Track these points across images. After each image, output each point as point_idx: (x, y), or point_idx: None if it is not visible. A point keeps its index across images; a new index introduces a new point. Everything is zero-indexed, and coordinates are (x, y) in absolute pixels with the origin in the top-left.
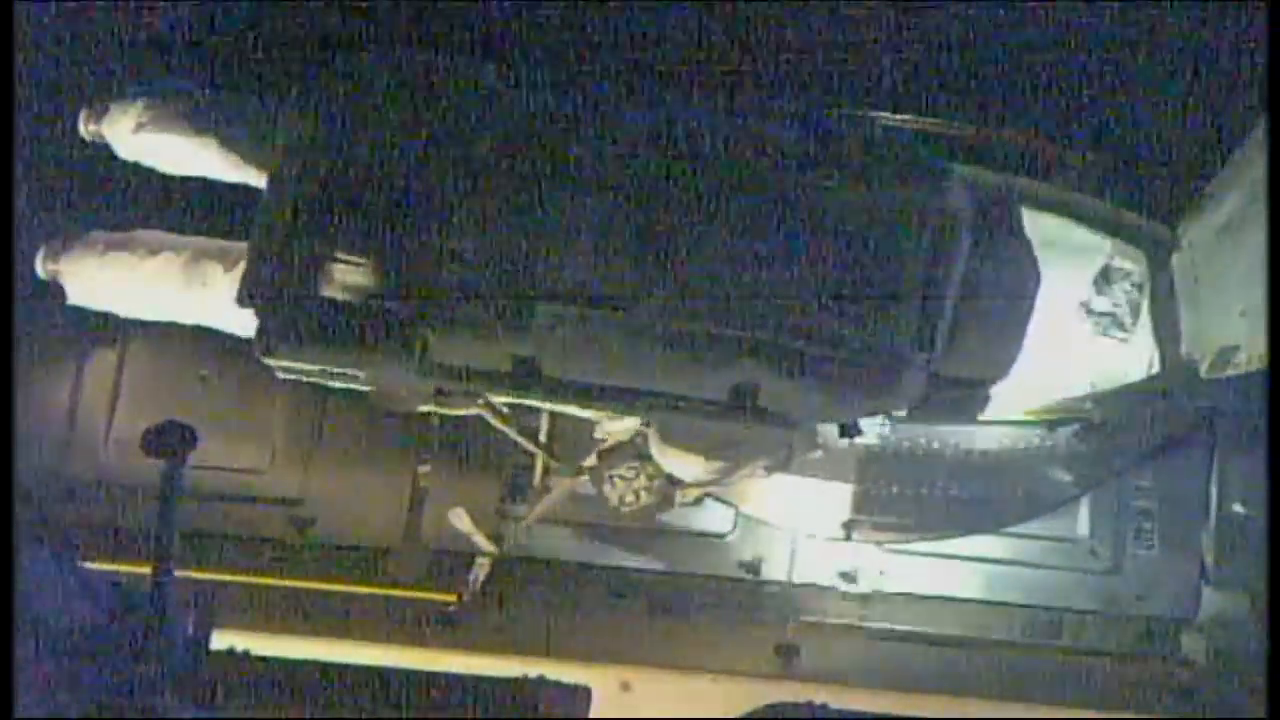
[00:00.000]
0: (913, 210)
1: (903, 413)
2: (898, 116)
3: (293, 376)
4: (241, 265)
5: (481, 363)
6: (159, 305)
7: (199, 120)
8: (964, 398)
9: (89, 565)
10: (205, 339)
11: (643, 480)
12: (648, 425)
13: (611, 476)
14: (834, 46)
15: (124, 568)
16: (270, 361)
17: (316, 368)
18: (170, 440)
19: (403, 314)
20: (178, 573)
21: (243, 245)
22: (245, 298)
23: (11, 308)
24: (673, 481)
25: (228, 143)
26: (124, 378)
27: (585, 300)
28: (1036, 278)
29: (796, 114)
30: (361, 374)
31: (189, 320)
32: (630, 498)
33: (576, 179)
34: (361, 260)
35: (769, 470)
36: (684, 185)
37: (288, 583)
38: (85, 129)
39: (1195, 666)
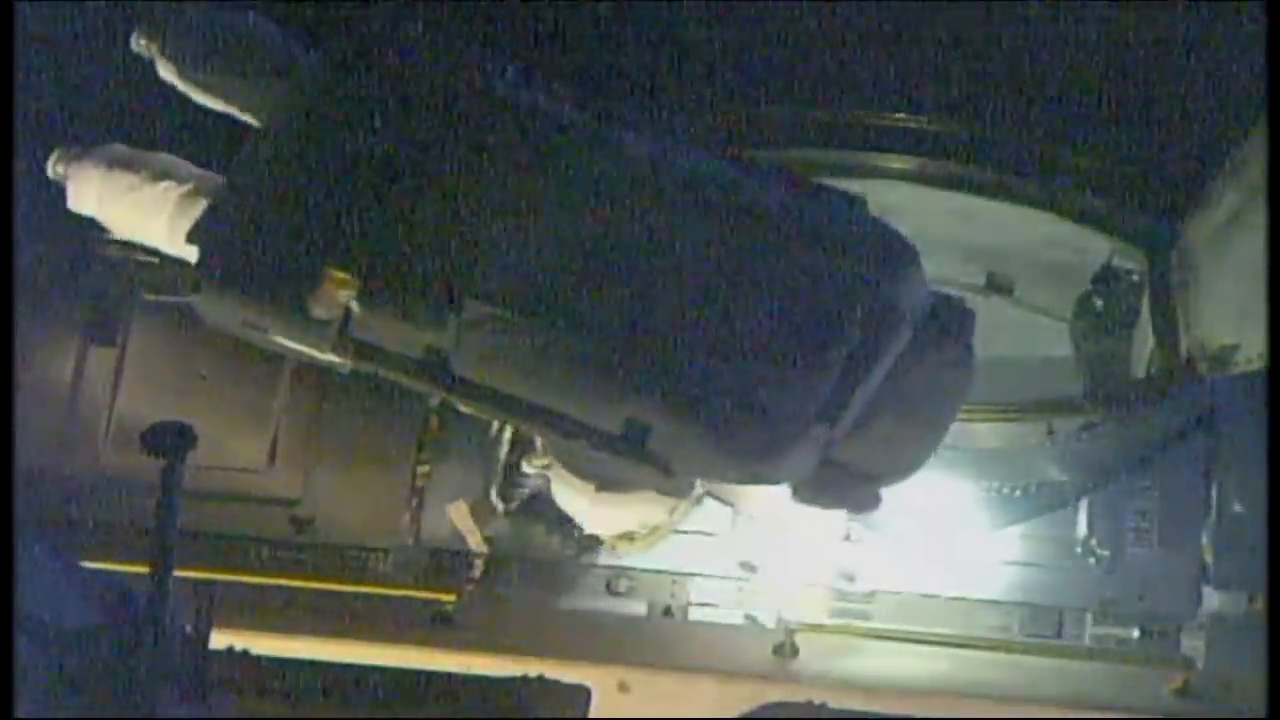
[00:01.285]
0: (858, 288)
1: (785, 487)
2: (898, 116)
3: (215, 324)
4: None
5: (397, 346)
6: (144, 230)
7: (237, 46)
8: (852, 488)
9: (89, 565)
10: (205, 338)
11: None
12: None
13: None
14: (834, 47)
15: (124, 567)
16: (197, 301)
17: (239, 318)
18: (169, 439)
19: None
20: (178, 573)
21: None
22: (194, 233)
23: (11, 308)
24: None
25: (244, 76)
26: (124, 377)
27: (513, 306)
28: (964, 395)
29: (787, 177)
30: (281, 334)
31: (169, 251)
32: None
33: (541, 189)
34: (313, 225)
35: (662, 526)
36: (647, 217)
37: (288, 583)
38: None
39: (1195, 666)
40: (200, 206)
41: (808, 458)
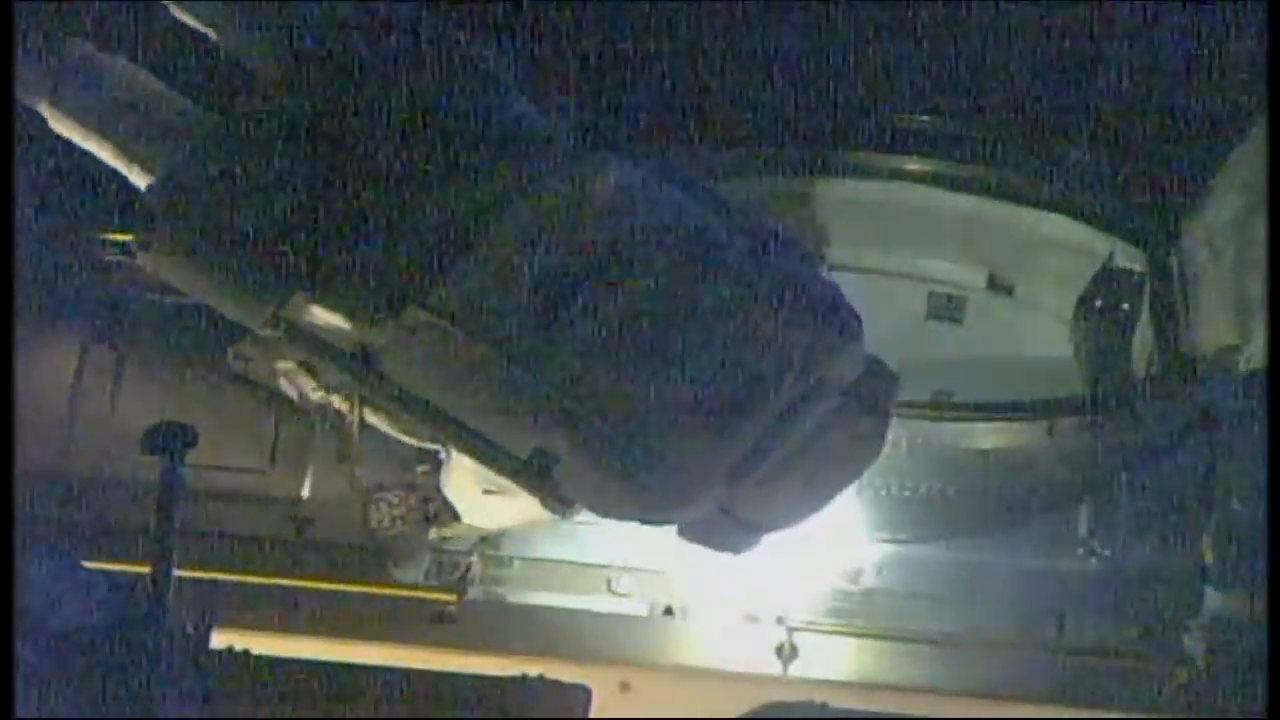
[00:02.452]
0: (796, 356)
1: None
2: (902, 116)
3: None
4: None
5: (329, 334)
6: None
7: None
8: (737, 535)
9: (89, 565)
10: (206, 338)
11: (403, 509)
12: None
13: (380, 500)
14: (834, 46)
15: (124, 568)
16: (143, 256)
17: (182, 281)
18: (170, 440)
19: (284, 262)
20: (178, 573)
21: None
22: (152, 192)
23: (11, 308)
24: (434, 516)
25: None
26: (124, 377)
27: (453, 321)
28: (868, 464)
29: (757, 225)
30: (220, 303)
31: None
32: (388, 523)
33: (505, 215)
34: (269, 207)
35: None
36: (604, 257)
37: (288, 583)
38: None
39: (1195, 666)
40: (157, 138)
41: (705, 508)
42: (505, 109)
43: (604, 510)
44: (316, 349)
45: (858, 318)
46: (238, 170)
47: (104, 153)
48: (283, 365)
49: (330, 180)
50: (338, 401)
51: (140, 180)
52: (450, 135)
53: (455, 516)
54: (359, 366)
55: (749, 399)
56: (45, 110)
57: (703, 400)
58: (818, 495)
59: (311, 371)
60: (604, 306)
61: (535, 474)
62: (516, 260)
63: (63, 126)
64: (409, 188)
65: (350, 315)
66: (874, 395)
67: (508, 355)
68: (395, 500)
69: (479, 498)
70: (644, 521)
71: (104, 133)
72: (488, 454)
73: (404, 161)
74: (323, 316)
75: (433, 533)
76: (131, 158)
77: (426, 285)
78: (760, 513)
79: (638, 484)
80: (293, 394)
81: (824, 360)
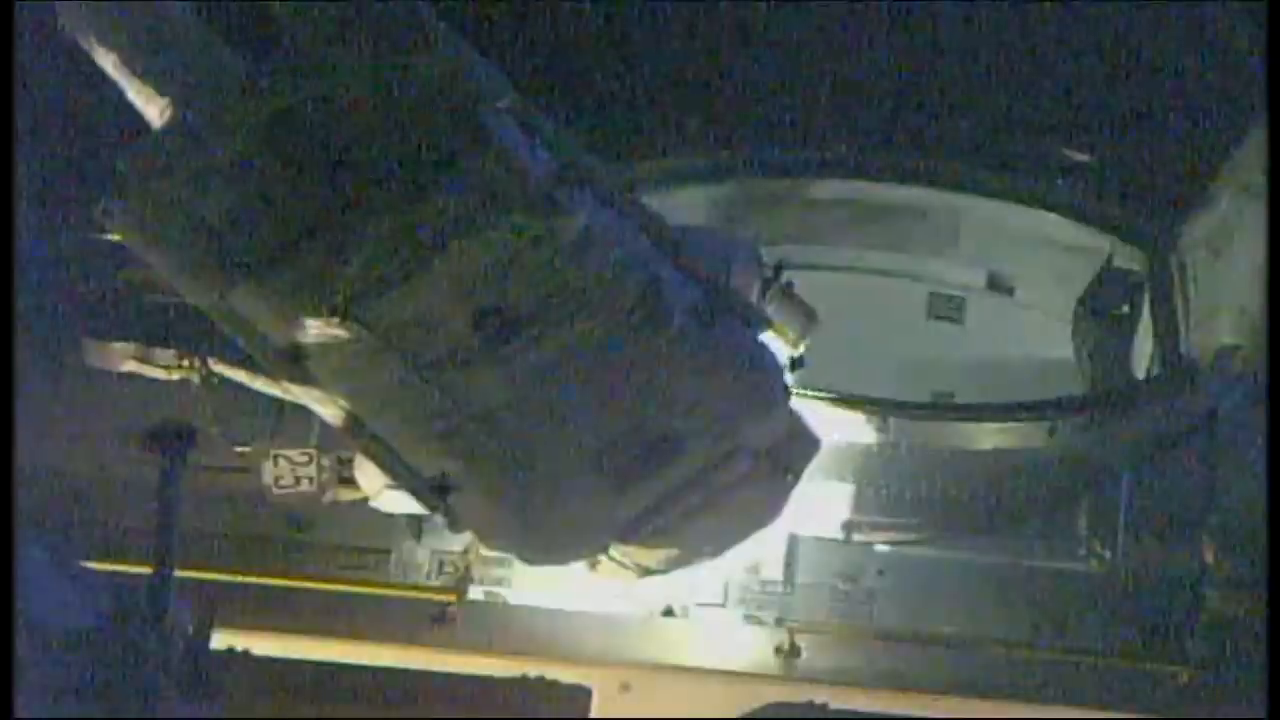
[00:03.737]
0: (716, 425)
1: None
2: (906, 116)
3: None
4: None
5: (265, 326)
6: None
7: None
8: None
9: (89, 565)
10: (206, 338)
11: (311, 470)
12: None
13: (278, 456)
14: (836, 47)
15: (124, 568)
16: (105, 221)
17: (142, 251)
18: (169, 439)
19: (234, 252)
20: (178, 573)
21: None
22: (128, 160)
23: (11, 307)
24: (343, 480)
25: None
26: (124, 376)
27: (387, 341)
28: (762, 526)
29: (710, 284)
30: (171, 279)
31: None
32: (287, 480)
33: (457, 249)
34: (235, 190)
35: None
36: (547, 300)
37: (288, 583)
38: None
39: (1195, 666)
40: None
41: (594, 554)
42: (487, 130)
43: (491, 542)
44: (251, 339)
45: (784, 388)
46: (206, 156)
47: (129, 84)
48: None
49: (294, 181)
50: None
51: (155, 119)
52: (421, 155)
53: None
54: (287, 362)
55: (656, 459)
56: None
57: (610, 454)
58: (704, 552)
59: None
60: (535, 349)
61: (433, 494)
62: (461, 292)
63: (98, 53)
64: (370, 202)
65: (284, 316)
66: (790, 460)
67: (431, 381)
68: (300, 459)
69: (384, 489)
70: (528, 560)
71: (134, 64)
72: (391, 466)
73: (370, 175)
74: (261, 310)
75: (341, 494)
76: (153, 95)
77: (367, 301)
78: (646, 558)
79: (528, 525)
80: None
81: (744, 428)
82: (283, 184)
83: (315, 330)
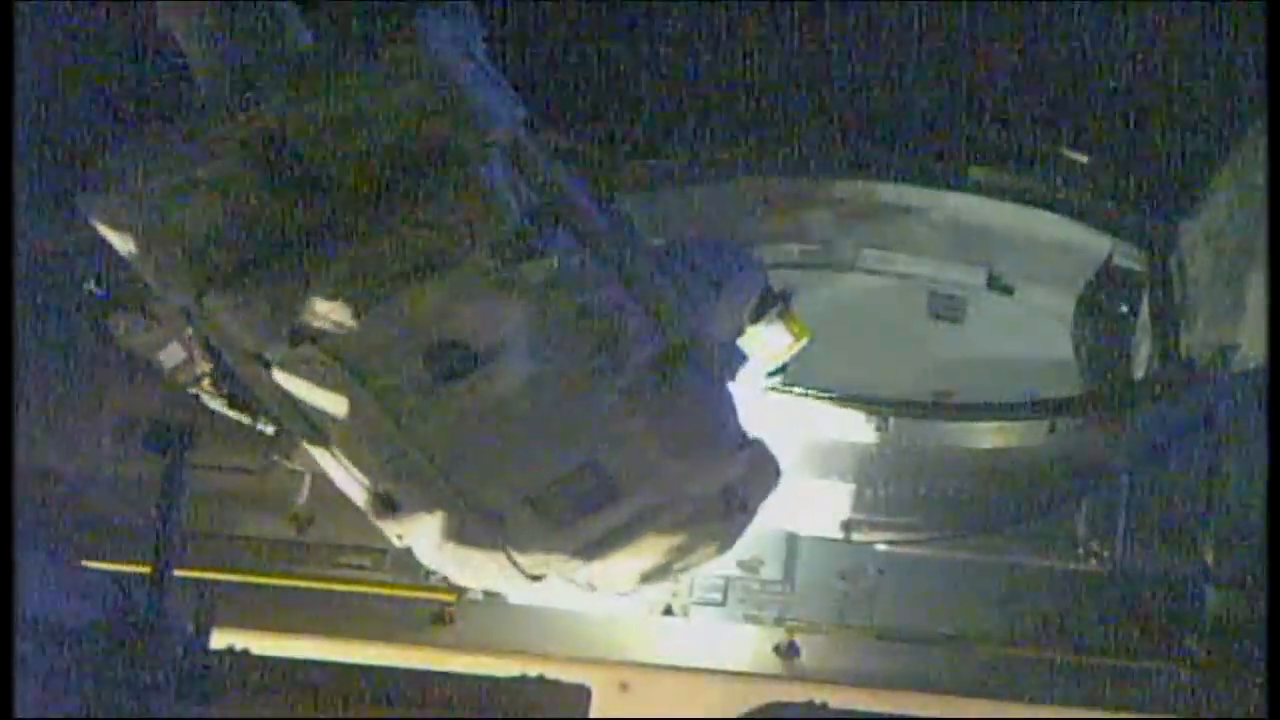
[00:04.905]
0: (656, 473)
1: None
2: (907, 116)
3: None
4: None
5: (235, 333)
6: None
7: None
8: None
9: (89, 565)
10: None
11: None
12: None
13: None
14: (836, 48)
15: (124, 567)
16: (86, 210)
17: (118, 239)
18: (170, 439)
19: (209, 261)
20: (178, 573)
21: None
22: (117, 158)
23: (11, 306)
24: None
25: None
26: (124, 376)
27: (345, 366)
28: (704, 561)
29: (669, 330)
30: (148, 278)
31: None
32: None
33: (424, 291)
34: (218, 200)
35: None
36: (507, 343)
37: (288, 582)
38: None
39: (1195, 666)
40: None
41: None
42: (470, 169)
43: (431, 562)
44: (221, 338)
45: (731, 437)
46: (191, 169)
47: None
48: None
49: (273, 199)
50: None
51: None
52: (401, 186)
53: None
54: (251, 365)
55: (598, 501)
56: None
57: (555, 493)
58: (657, 577)
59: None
60: (493, 385)
61: (380, 508)
62: (419, 325)
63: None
64: (342, 228)
65: (249, 329)
66: (746, 496)
67: (386, 408)
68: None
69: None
70: (460, 582)
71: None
72: (341, 473)
73: (347, 200)
74: (228, 319)
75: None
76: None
77: (326, 326)
78: (597, 581)
79: (466, 555)
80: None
81: (691, 478)
82: (261, 201)
83: (276, 347)
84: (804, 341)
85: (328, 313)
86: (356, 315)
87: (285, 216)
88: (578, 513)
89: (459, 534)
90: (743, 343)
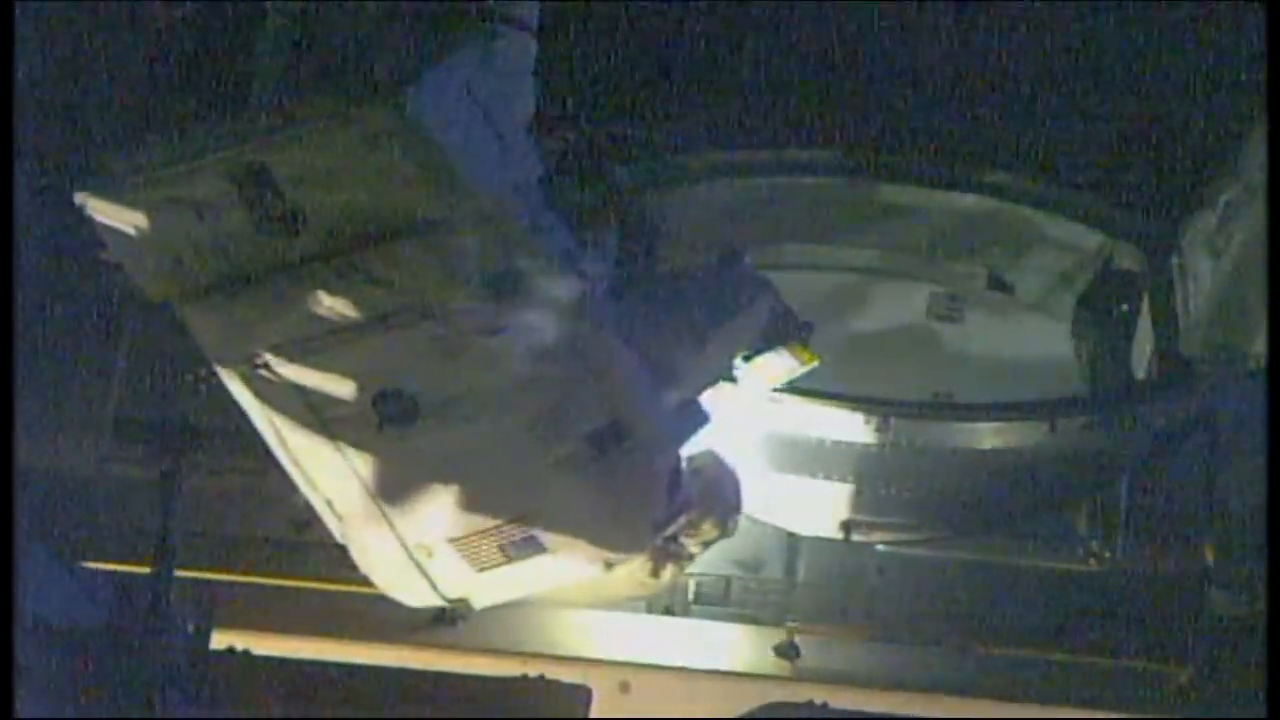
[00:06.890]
0: (579, 539)
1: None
2: (907, 115)
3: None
4: None
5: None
6: None
7: None
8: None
9: (89, 565)
10: None
11: None
12: None
13: None
14: (835, 46)
15: (124, 567)
16: (78, 197)
17: (107, 233)
18: (169, 439)
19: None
20: (178, 573)
21: None
22: (118, 161)
23: (12, 306)
24: None
25: None
26: (124, 376)
27: (302, 392)
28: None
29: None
30: (127, 268)
31: None
32: None
33: (402, 322)
34: (198, 224)
35: None
36: (465, 380)
37: (288, 583)
38: None
39: (1195, 666)
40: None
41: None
42: (440, 236)
43: (364, 570)
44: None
45: (663, 528)
46: (177, 189)
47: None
48: None
49: (253, 228)
50: None
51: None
52: (369, 236)
53: None
54: (215, 369)
55: (517, 552)
56: None
57: (479, 542)
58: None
59: None
60: (432, 438)
61: (325, 509)
62: (377, 375)
63: None
64: (311, 271)
65: (212, 346)
66: (678, 553)
67: (337, 438)
68: None
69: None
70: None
71: None
72: (297, 483)
73: (324, 246)
74: (196, 329)
75: None
76: None
77: (281, 358)
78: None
79: (395, 574)
80: None
81: (607, 554)
82: (242, 229)
83: (236, 364)
84: (810, 367)
85: (285, 347)
86: (310, 354)
87: (263, 248)
88: (500, 560)
89: (391, 553)
90: (748, 370)
